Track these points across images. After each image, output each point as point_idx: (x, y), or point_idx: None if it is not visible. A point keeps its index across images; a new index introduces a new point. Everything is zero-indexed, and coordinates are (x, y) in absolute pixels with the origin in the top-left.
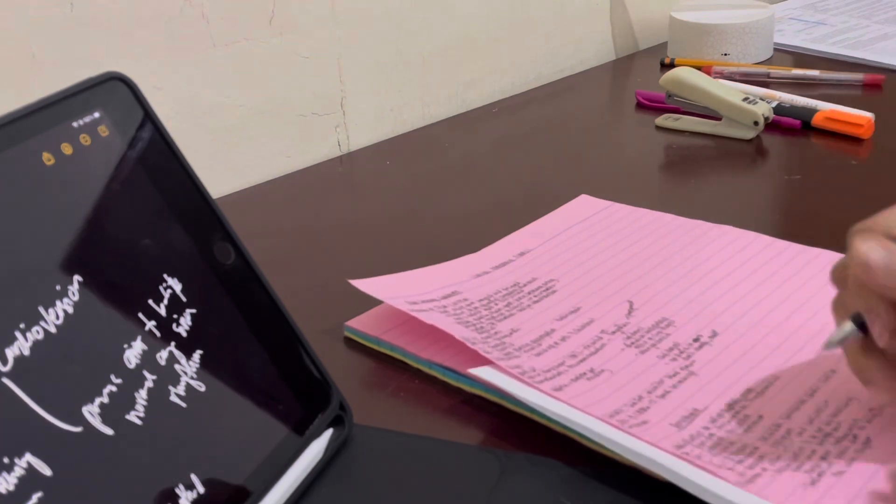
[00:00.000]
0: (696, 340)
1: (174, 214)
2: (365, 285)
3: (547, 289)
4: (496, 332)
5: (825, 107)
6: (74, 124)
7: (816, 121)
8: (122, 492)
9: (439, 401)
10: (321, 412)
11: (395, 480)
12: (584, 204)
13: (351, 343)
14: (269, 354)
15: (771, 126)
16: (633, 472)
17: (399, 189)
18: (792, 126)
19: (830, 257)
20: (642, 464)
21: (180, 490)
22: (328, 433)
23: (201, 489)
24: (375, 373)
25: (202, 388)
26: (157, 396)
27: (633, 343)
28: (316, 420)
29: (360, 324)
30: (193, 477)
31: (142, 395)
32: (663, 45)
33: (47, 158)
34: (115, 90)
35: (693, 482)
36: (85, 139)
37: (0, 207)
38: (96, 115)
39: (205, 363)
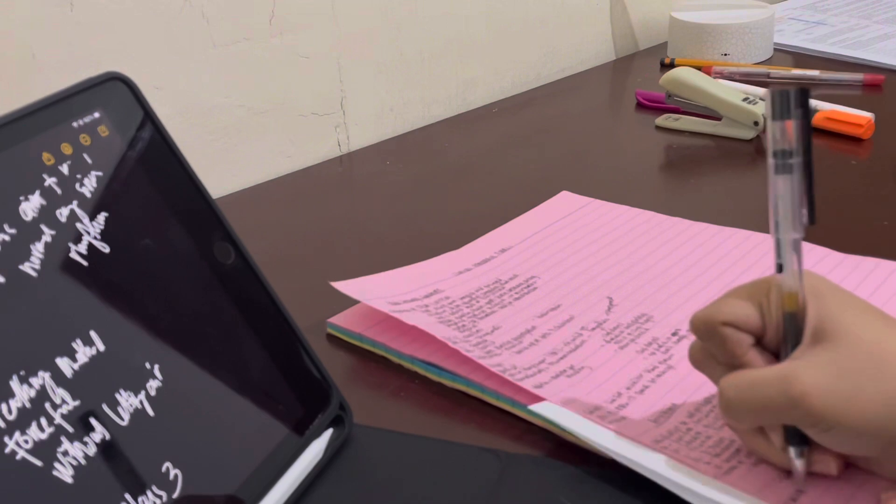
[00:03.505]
0: (674, 334)
1: (174, 214)
2: (346, 287)
3: (528, 286)
4: (477, 331)
5: (825, 107)
6: (74, 124)
7: (816, 121)
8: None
9: (439, 401)
10: (321, 412)
11: (395, 480)
12: (565, 200)
13: (352, 343)
14: (268, 354)
15: None
16: (633, 473)
17: (399, 189)
18: None
19: (805, 247)
20: (627, 463)
21: (180, 490)
22: (328, 433)
23: (201, 489)
24: (375, 373)
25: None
26: None
27: (612, 339)
28: (316, 420)
29: (343, 320)
30: (193, 477)
31: None
32: (663, 45)
33: (47, 158)
34: (115, 90)
35: (671, 480)
36: (85, 139)
37: (0, 207)
38: (96, 115)
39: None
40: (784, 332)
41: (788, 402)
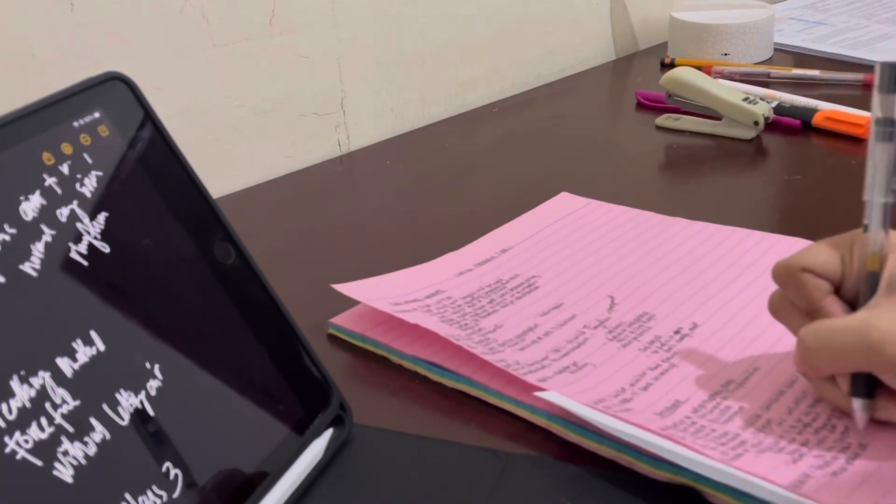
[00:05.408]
0: (676, 333)
1: (174, 214)
2: (348, 289)
3: (529, 285)
4: (480, 329)
5: (825, 107)
6: (74, 124)
7: (816, 121)
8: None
9: (439, 401)
10: (321, 412)
11: (395, 480)
12: (565, 201)
13: (353, 343)
14: (268, 354)
15: (771, 126)
16: (633, 473)
17: (399, 189)
18: (792, 126)
19: (807, 244)
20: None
21: (180, 490)
22: (328, 433)
23: (201, 489)
24: (375, 373)
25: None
26: None
27: (615, 337)
28: (316, 420)
29: (345, 320)
30: (194, 477)
31: None
32: (663, 45)
33: (47, 158)
34: (115, 90)
35: (683, 455)
36: (85, 139)
37: (0, 207)
38: (96, 115)
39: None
40: (864, 289)
41: (867, 349)
